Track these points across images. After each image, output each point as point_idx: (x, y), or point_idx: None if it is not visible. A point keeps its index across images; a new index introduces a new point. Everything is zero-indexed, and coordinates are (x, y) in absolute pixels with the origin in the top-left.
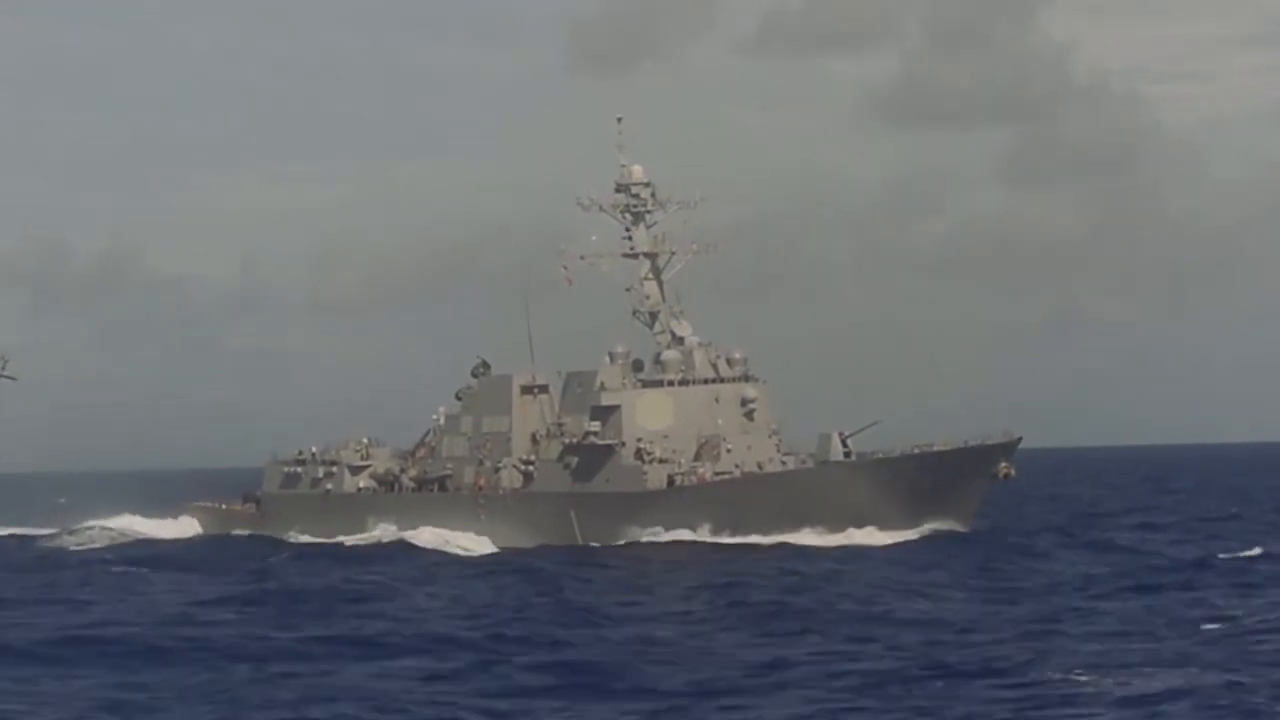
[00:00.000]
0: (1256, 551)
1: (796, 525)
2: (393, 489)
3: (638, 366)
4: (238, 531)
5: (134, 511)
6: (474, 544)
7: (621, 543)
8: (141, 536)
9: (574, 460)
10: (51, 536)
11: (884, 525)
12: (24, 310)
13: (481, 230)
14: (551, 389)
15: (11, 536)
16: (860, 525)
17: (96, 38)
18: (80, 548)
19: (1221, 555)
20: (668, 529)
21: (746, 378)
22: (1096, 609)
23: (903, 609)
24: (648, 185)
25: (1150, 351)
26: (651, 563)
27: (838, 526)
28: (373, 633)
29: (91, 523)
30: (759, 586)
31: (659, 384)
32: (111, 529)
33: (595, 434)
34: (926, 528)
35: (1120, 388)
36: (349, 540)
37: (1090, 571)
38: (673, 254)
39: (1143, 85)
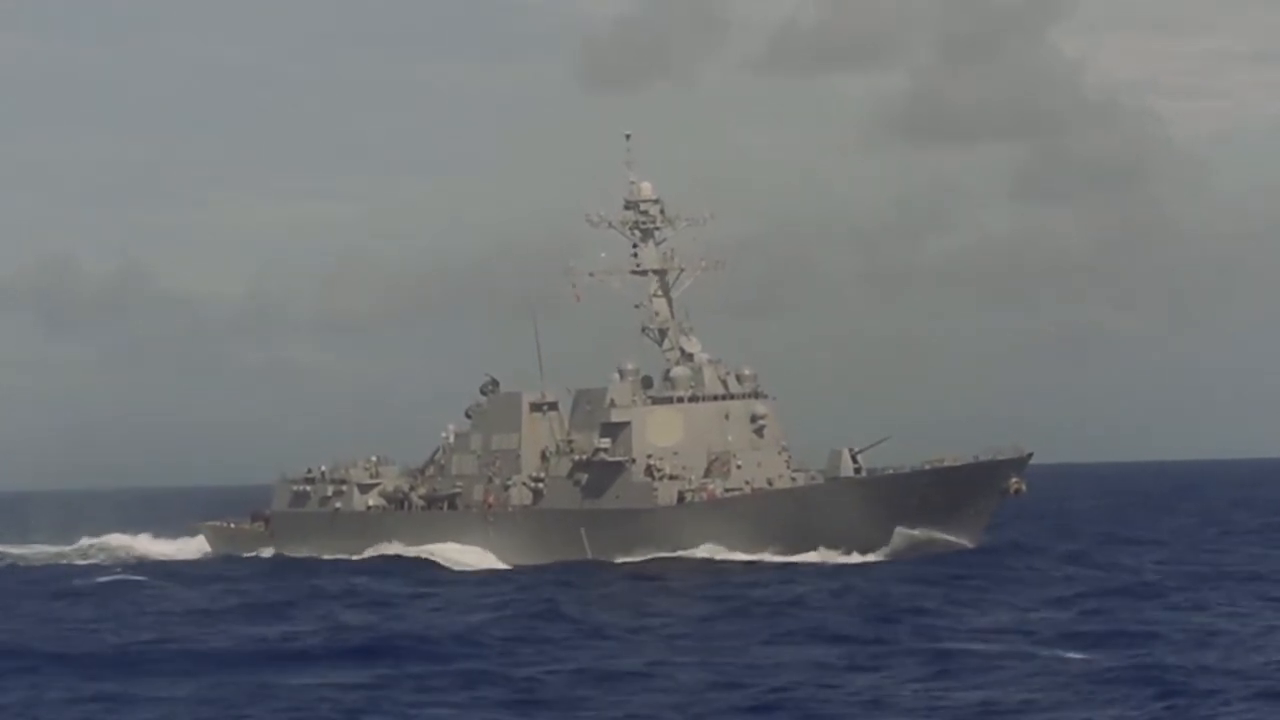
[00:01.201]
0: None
1: (806, 542)
2: (402, 507)
3: (647, 383)
4: (247, 553)
5: (142, 531)
6: (482, 561)
7: (631, 559)
8: (149, 557)
9: (584, 477)
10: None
11: (892, 541)
12: (34, 329)
13: (491, 248)
14: (561, 406)
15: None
16: (869, 541)
17: (105, 55)
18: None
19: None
20: (678, 546)
21: (756, 394)
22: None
23: (850, 626)
24: (656, 202)
25: (1161, 366)
26: (654, 579)
27: (846, 543)
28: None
29: (96, 541)
30: (755, 602)
31: (669, 400)
32: (120, 549)
33: (605, 450)
34: (935, 544)
35: (1130, 403)
36: (356, 558)
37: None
38: (682, 270)
39: (1153, 100)
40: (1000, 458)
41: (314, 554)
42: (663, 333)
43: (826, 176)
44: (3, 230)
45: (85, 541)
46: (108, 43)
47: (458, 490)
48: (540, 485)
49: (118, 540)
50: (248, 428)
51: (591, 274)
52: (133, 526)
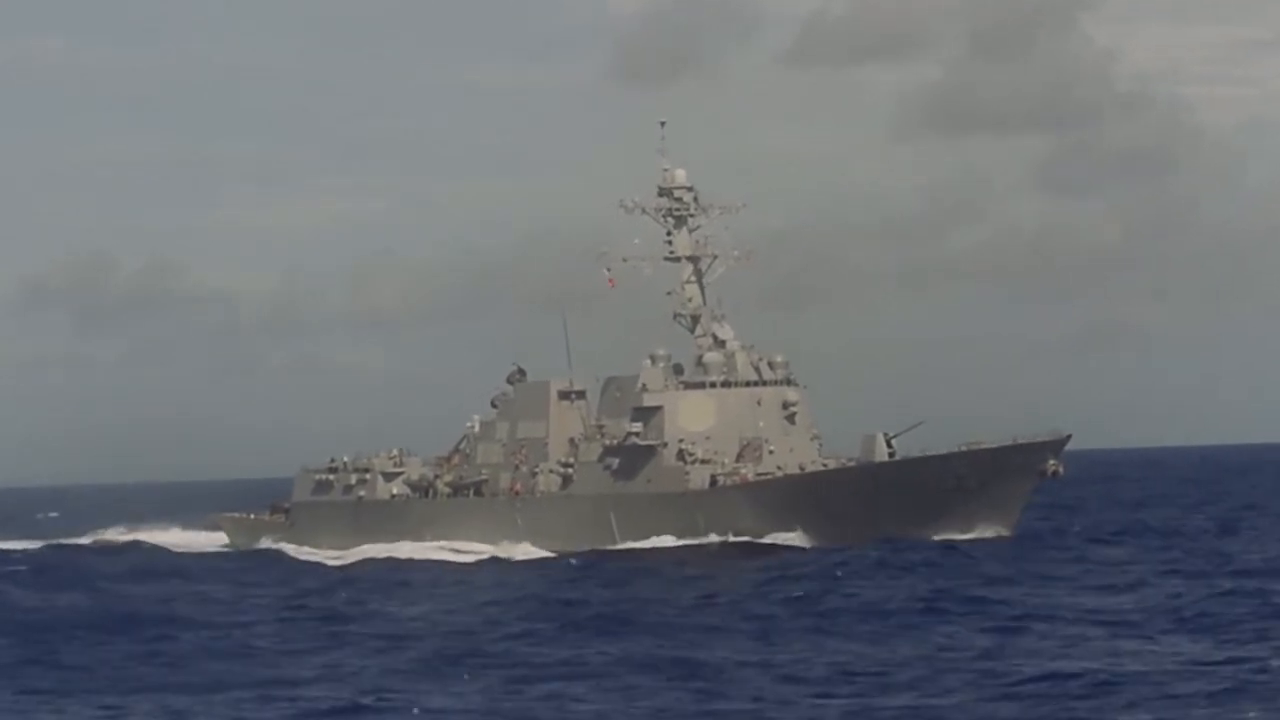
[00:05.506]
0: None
1: (839, 525)
2: (427, 495)
3: (678, 370)
4: (266, 544)
5: (158, 524)
6: (508, 550)
7: (661, 544)
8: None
9: (614, 461)
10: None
11: (928, 525)
12: (68, 326)
13: (519, 242)
14: (589, 395)
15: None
16: (905, 524)
17: (137, 55)
18: None
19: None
20: (709, 530)
21: (788, 381)
22: None
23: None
24: (690, 189)
25: (1189, 357)
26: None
27: (878, 526)
28: None
29: (114, 534)
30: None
31: (701, 385)
32: (140, 541)
33: (637, 435)
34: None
35: (1159, 393)
36: (378, 547)
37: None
38: (715, 258)
39: (1183, 90)
40: (1038, 440)
41: (335, 544)
42: (695, 319)
43: (856, 168)
44: (36, 229)
45: (94, 536)
46: (139, 44)
47: (484, 478)
48: (569, 470)
49: (133, 533)
50: (277, 423)
51: (625, 259)
52: (152, 520)
